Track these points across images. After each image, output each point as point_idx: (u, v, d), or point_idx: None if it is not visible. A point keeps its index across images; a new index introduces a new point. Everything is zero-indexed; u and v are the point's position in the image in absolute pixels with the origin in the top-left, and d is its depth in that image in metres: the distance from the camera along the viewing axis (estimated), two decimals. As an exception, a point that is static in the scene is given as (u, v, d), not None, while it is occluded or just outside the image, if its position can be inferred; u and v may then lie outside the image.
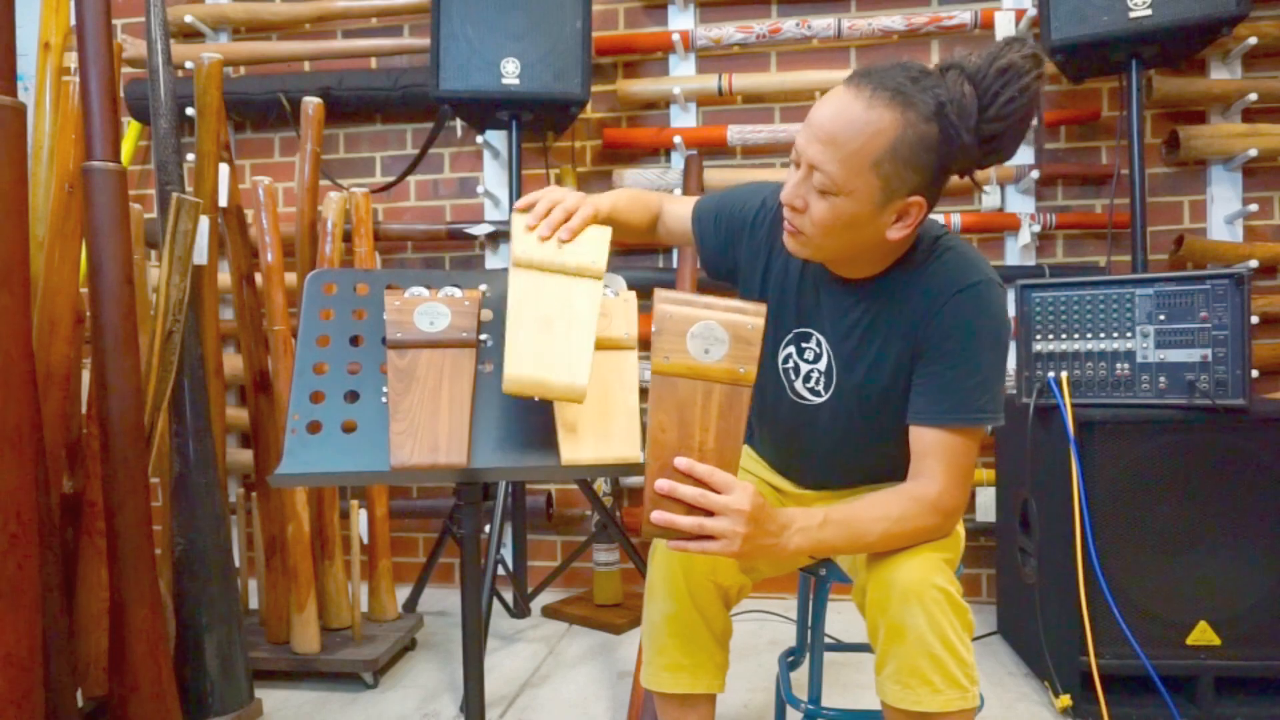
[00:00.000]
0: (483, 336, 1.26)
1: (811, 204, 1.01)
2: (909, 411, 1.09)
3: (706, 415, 0.95)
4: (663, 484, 0.93)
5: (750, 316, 0.95)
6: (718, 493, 0.92)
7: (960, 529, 1.17)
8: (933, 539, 1.04)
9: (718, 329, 0.95)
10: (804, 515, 0.98)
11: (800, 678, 1.48)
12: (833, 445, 1.20)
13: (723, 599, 1.14)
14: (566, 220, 1.07)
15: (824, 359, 1.16)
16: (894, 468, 1.18)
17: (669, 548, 0.95)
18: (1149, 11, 1.97)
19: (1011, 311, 2.46)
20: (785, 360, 1.19)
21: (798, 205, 1.03)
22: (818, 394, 1.18)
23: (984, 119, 0.98)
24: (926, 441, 1.05)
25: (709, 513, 0.92)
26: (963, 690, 0.97)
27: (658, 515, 0.93)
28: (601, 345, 1.29)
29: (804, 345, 1.17)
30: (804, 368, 1.18)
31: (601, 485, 2.52)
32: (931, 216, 1.09)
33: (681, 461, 0.93)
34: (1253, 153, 2.26)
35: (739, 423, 0.95)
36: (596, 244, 1.10)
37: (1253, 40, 2.25)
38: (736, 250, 1.23)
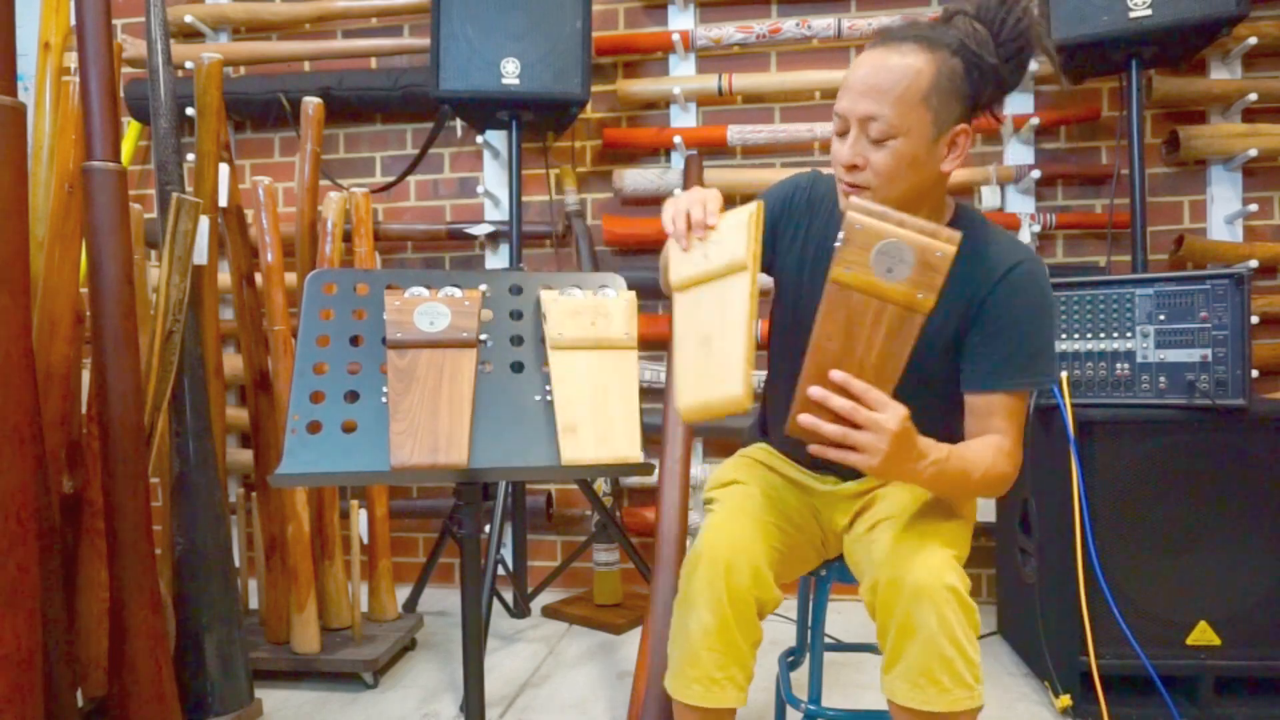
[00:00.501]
0: (483, 336, 1.26)
1: (871, 157, 1.07)
2: (969, 378, 1.13)
3: (874, 334, 0.94)
4: (816, 391, 0.94)
5: (942, 242, 0.93)
6: (869, 409, 0.94)
7: (972, 519, 1.21)
8: (1001, 491, 1.11)
9: (905, 249, 0.93)
10: (935, 449, 1.01)
11: (800, 678, 1.48)
12: None
13: (759, 612, 1.13)
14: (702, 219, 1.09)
15: None
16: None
17: (812, 451, 0.97)
18: (1149, 11, 1.97)
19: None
20: None
21: (858, 163, 1.08)
22: None
23: (1000, 42, 1.08)
24: (993, 404, 1.11)
25: (854, 425, 0.95)
26: (970, 689, 0.98)
27: (805, 419, 0.95)
28: (601, 345, 1.29)
29: None
30: None
31: (601, 485, 2.52)
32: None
33: (837, 374, 0.94)
34: (1253, 153, 2.26)
35: (905, 346, 0.95)
36: (736, 231, 1.06)
37: (1253, 40, 2.25)
38: (776, 239, 1.27)
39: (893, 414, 0.94)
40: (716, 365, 1.01)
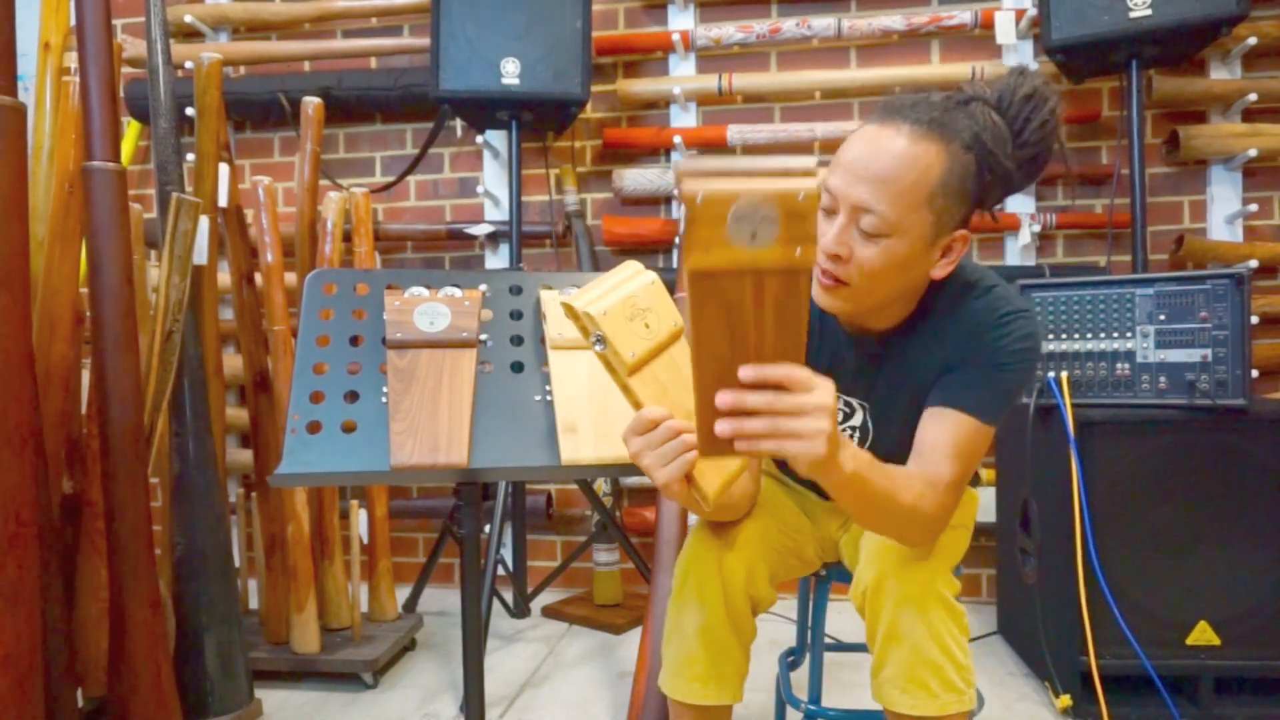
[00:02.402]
0: (483, 336, 1.26)
1: (857, 250, 0.95)
2: (933, 395, 1.04)
3: (761, 312, 0.78)
4: (725, 397, 0.77)
5: (799, 180, 0.75)
6: (792, 391, 0.77)
7: (967, 523, 1.18)
8: (926, 537, 1.00)
9: (763, 205, 0.75)
10: (851, 443, 0.89)
11: (800, 678, 1.48)
12: None
13: (753, 610, 1.13)
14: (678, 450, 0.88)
15: (858, 414, 1.14)
16: None
17: (739, 448, 0.80)
18: (1149, 11, 1.97)
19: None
20: None
21: (842, 254, 0.96)
22: None
23: (1018, 144, 1.00)
24: (941, 427, 1.01)
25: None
26: (959, 694, 0.97)
27: (721, 427, 0.78)
28: (601, 345, 1.29)
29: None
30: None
31: (601, 485, 2.52)
32: (967, 259, 1.06)
33: (746, 371, 0.78)
34: (1253, 153, 2.26)
35: (799, 313, 0.78)
36: (659, 297, 0.97)
37: (1253, 40, 2.25)
38: None
39: (824, 391, 0.78)
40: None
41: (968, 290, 1.06)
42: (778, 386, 0.78)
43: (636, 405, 0.91)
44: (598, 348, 0.90)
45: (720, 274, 0.76)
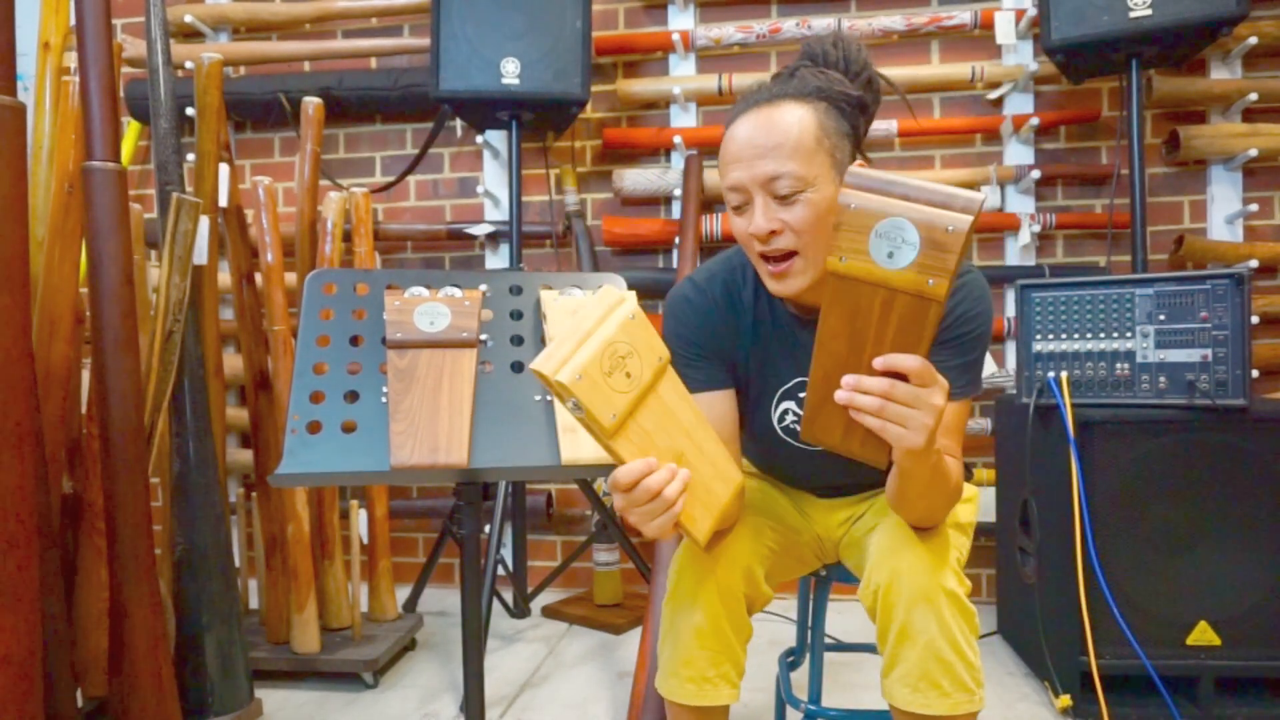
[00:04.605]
0: (483, 336, 1.26)
1: (786, 218, 1.01)
2: None
3: (883, 328, 0.82)
4: (842, 395, 0.84)
5: (955, 213, 0.77)
6: (919, 385, 0.84)
7: (972, 522, 1.19)
8: (951, 507, 1.06)
9: (908, 229, 0.79)
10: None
11: (800, 678, 1.48)
12: (848, 470, 1.13)
13: (748, 609, 1.13)
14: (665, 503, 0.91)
15: None
16: None
17: (852, 415, 0.86)
18: (1149, 11, 1.97)
19: (1011, 312, 2.47)
20: (783, 418, 1.18)
21: (775, 227, 1.02)
22: None
23: (851, 75, 1.09)
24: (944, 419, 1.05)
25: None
26: (970, 693, 0.97)
27: (842, 394, 0.84)
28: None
29: (802, 395, 1.15)
30: None
31: (601, 485, 2.52)
32: None
33: (879, 361, 0.83)
34: (1253, 153, 2.26)
35: (921, 341, 0.82)
36: (641, 332, 0.90)
37: (1253, 40, 2.25)
38: (723, 347, 1.17)
39: (941, 391, 0.85)
40: (707, 473, 0.94)
41: None
42: (901, 376, 0.83)
43: (620, 461, 0.90)
44: (576, 413, 0.85)
45: (852, 280, 0.81)
